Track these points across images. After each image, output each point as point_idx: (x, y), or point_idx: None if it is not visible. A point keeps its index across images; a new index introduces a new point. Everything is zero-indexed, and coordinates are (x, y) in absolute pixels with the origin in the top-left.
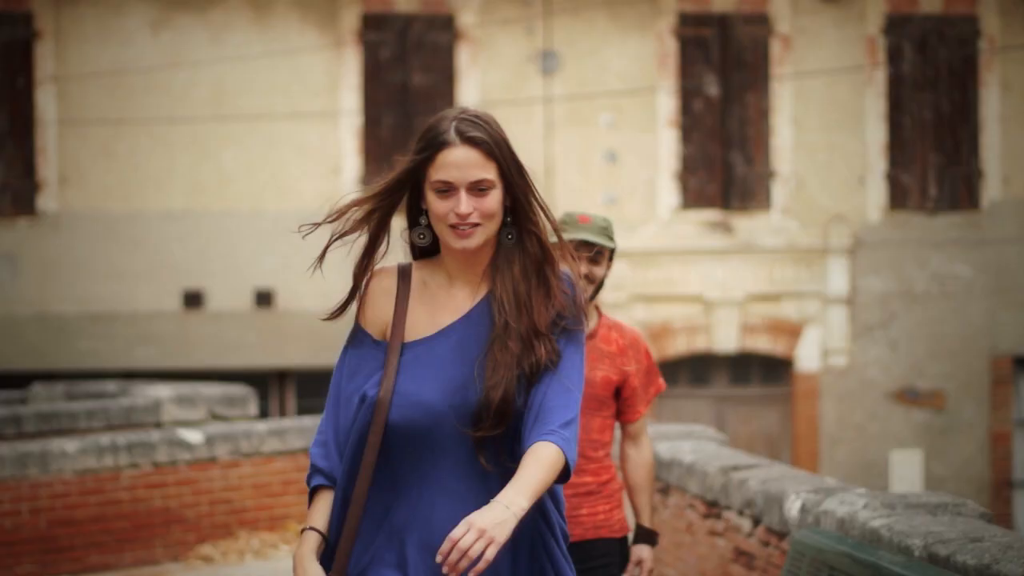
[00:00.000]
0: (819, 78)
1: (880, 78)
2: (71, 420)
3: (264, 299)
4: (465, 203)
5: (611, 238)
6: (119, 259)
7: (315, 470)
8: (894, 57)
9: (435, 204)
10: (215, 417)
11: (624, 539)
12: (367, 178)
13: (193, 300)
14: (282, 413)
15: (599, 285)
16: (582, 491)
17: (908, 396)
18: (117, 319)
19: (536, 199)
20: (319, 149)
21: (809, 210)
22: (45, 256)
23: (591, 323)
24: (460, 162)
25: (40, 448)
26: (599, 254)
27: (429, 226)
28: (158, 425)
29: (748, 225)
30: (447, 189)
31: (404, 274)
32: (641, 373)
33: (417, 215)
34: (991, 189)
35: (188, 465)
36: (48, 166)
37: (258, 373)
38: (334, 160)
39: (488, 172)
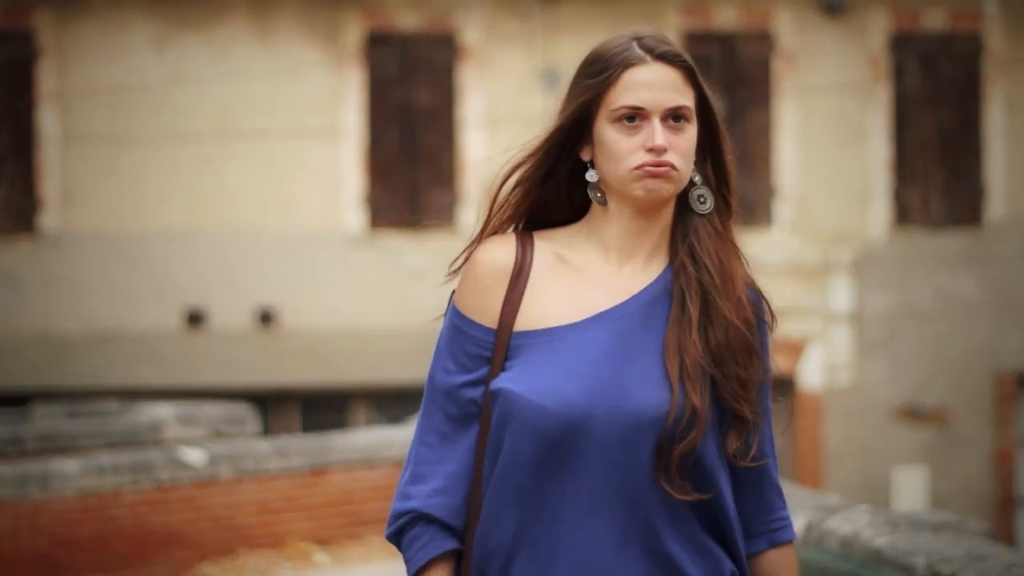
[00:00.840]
0: (822, 95)
1: (884, 95)
2: (72, 439)
3: (266, 317)
4: (660, 133)
5: None
6: (121, 277)
7: (419, 521)
8: (898, 74)
9: (615, 142)
10: (217, 435)
11: None
12: (370, 197)
13: (195, 318)
14: (285, 431)
15: None
16: None
17: (912, 413)
18: (118, 337)
19: (731, 157)
20: (322, 167)
21: (812, 227)
22: (46, 274)
23: None
24: (653, 82)
25: (41, 468)
26: None
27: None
28: (159, 444)
29: (751, 242)
30: (634, 118)
31: (526, 244)
32: None
33: (568, 176)
34: (995, 206)
35: (189, 484)
36: (50, 184)
37: (261, 391)
38: (337, 178)
39: (687, 99)
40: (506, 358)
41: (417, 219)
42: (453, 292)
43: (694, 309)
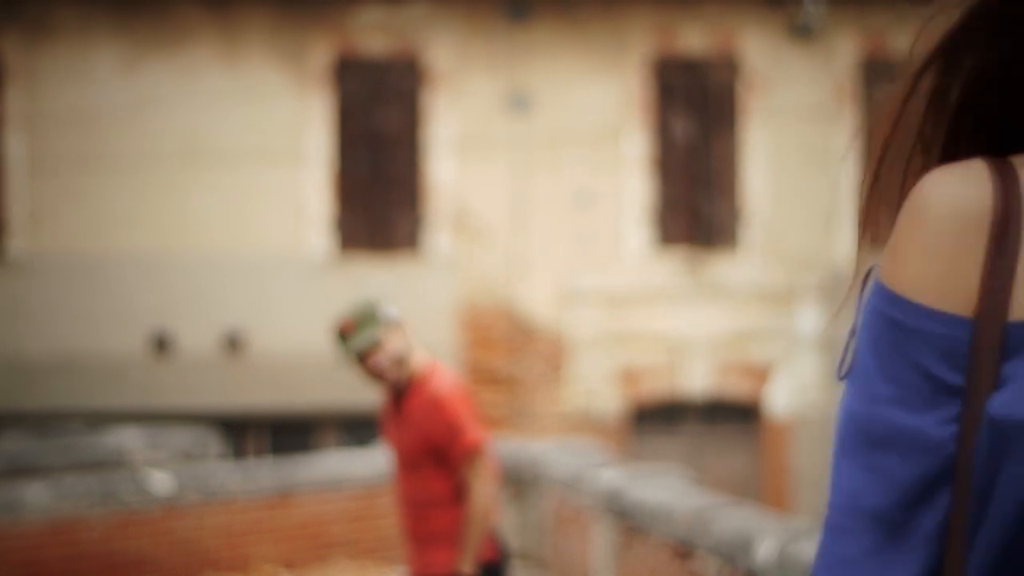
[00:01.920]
0: (789, 119)
1: (851, 119)
2: (39, 463)
3: (234, 341)
4: None
5: (372, 328)
6: (87, 301)
7: None
8: (865, 98)
9: None
10: (183, 459)
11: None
12: (337, 221)
13: (162, 343)
14: (253, 455)
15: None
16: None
17: None
18: (85, 361)
19: None
20: (289, 191)
21: (779, 251)
22: (13, 298)
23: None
24: None
25: (8, 493)
26: (375, 348)
27: None
28: (126, 468)
29: (718, 267)
30: None
31: (1007, 176)
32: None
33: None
34: None
35: (156, 508)
36: (16, 208)
37: (228, 415)
38: (303, 202)
39: None
40: (1001, 365)
41: (384, 243)
42: (871, 269)
43: None
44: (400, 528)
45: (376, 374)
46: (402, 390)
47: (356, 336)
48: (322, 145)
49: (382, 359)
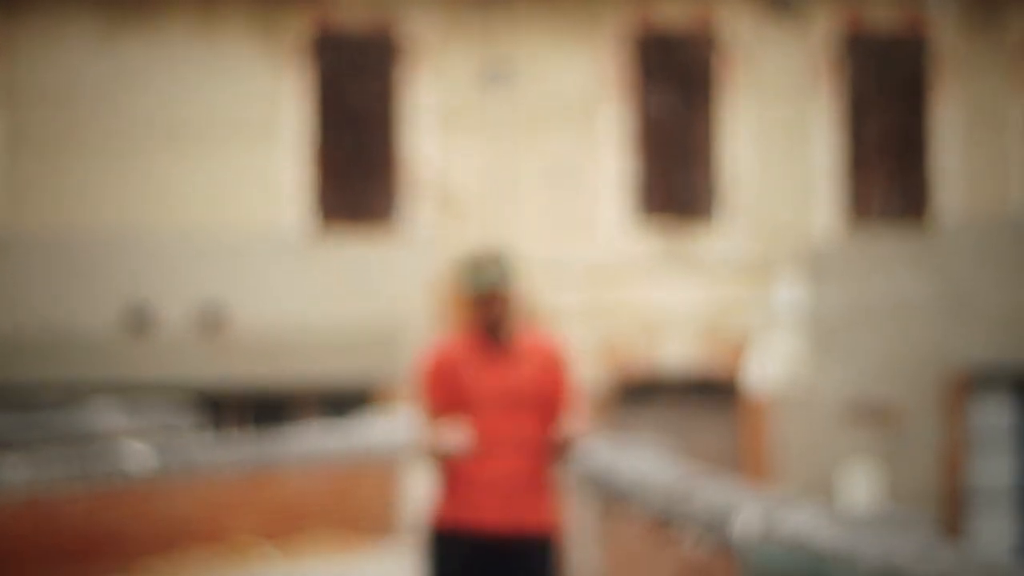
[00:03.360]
0: (767, 94)
1: (830, 94)
2: (16, 437)
3: (213, 316)
4: None
5: (510, 272)
6: (65, 276)
7: None
8: (845, 73)
9: None
10: (163, 433)
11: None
12: (316, 195)
13: (141, 317)
14: (234, 430)
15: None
16: None
17: (860, 411)
18: (64, 336)
19: None
20: (266, 166)
21: (759, 225)
22: None
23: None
24: None
25: None
26: (505, 290)
27: None
28: (105, 442)
29: (697, 240)
30: None
31: None
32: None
33: None
34: (943, 204)
35: (135, 481)
36: None
37: (209, 390)
38: (282, 177)
39: None
40: None
41: (362, 218)
42: None
43: None
44: (488, 474)
45: (491, 314)
46: (499, 339)
47: (495, 272)
48: (300, 120)
49: (504, 304)
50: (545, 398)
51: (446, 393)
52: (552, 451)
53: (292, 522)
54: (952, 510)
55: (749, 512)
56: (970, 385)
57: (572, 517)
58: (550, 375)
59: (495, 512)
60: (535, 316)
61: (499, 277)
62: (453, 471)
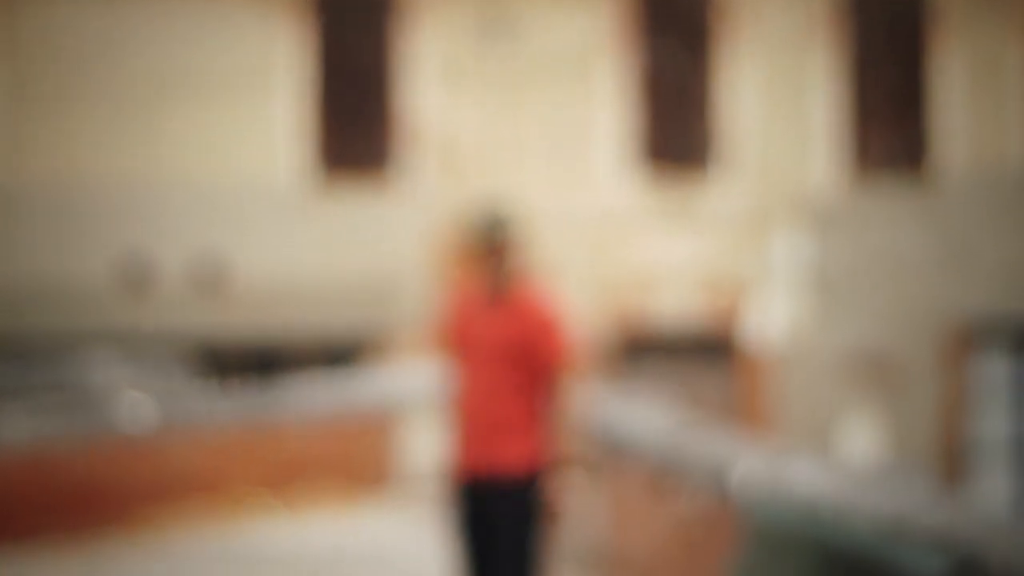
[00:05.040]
0: (770, 44)
1: (832, 44)
2: (14, 385)
3: (211, 267)
4: None
5: (514, 228)
6: (66, 226)
7: None
8: (847, 22)
9: None
10: (161, 385)
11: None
12: (317, 146)
13: (139, 268)
14: (235, 382)
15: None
16: None
17: (859, 363)
18: (63, 285)
19: None
20: (266, 118)
21: (759, 178)
22: None
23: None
24: None
25: None
26: (510, 244)
27: None
28: (103, 393)
29: (697, 193)
30: None
31: None
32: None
33: None
34: (945, 156)
35: (134, 433)
36: None
37: (206, 341)
38: (281, 128)
39: None
40: None
41: (361, 170)
42: None
43: None
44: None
45: (487, 267)
46: (496, 292)
47: (492, 227)
48: (300, 72)
49: (500, 258)
50: (526, 351)
51: (454, 344)
52: (540, 402)
53: (292, 473)
54: (951, 463)
55: (748, 463)
56: (970, 338)
57: (572, 470)
58: (535, 329)
59: (474, 456)
60: (536, 269)
61: (495, 231)
62: (457, 420)
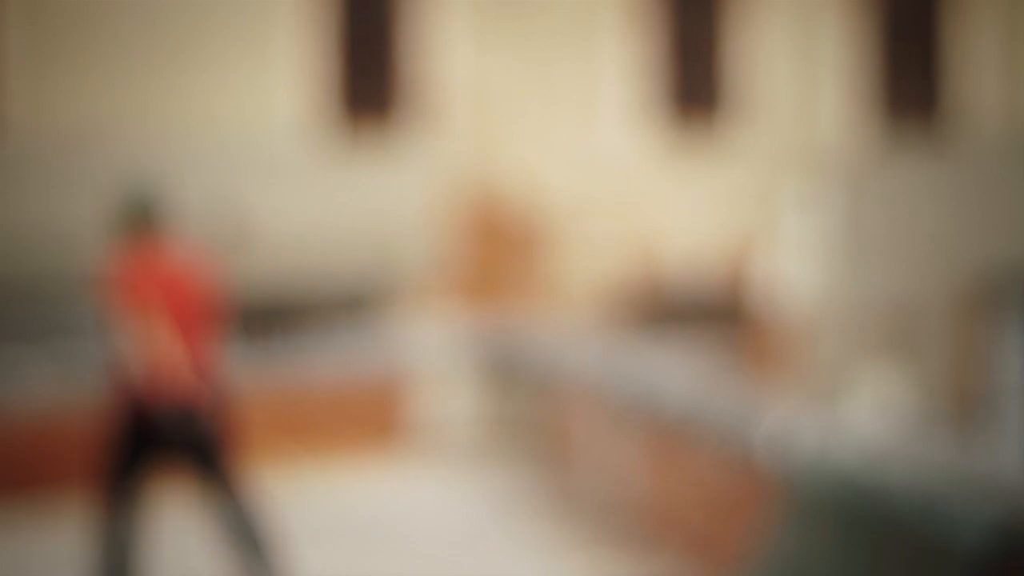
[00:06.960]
0: None
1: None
2: (34, 330)
3: (223, 219)
4: None
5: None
6: (79, 179)
7: None
8: None
9: None
10: None
11: None
12: (340, 99)
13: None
14: (259, 340)
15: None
16: None
17: (877, 312)
18: (79, 231)
19: None
20: (290, 65)
21: (772, 124)
22: (8, 168)
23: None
24: None
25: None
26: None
27: None
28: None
29: (709, 139)
30: None
31: None
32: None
33: None
34: (971, 106)
35: None
36: (14, 80)
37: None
38: (305, 77)
39: None
40: None
41: (373, 127)
42: None
43: None
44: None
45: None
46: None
47: (141, 209)
48: (322, 23)
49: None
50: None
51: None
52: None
53: (324, 433)
54: (973, 414)
55: (773, 417)
56: (994, 290)
57: (586, 424)
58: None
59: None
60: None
61: (144, 212)
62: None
